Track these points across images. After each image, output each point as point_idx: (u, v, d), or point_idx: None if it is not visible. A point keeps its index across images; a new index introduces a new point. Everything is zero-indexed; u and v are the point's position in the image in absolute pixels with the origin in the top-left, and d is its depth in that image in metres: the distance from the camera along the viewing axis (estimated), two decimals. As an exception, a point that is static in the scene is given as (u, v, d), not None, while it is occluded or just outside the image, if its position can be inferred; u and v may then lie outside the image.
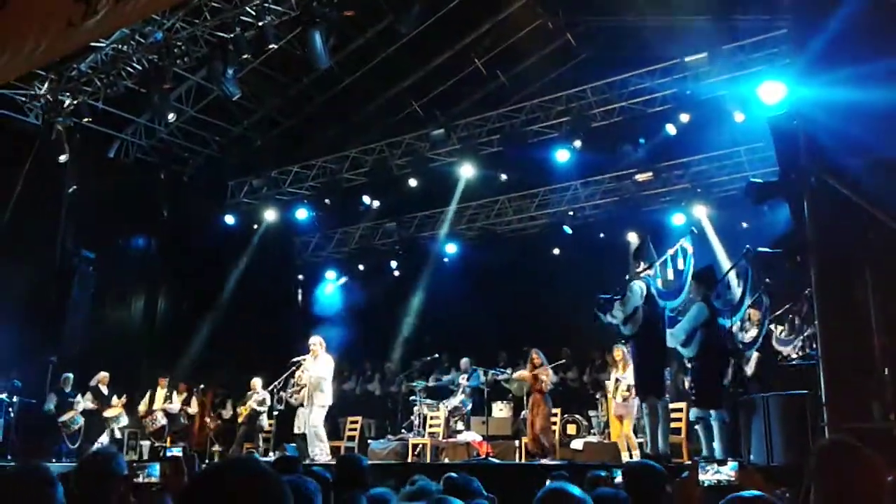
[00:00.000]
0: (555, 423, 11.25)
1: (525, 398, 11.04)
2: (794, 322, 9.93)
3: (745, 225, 13.02)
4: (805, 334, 9.69)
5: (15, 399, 12.04)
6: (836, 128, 5.94)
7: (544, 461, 9.92)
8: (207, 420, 14.43)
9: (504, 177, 14.11)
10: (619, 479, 4.76)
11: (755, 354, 9.67)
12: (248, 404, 13.24)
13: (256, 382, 13.32)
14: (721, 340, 8.78)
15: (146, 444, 13.00)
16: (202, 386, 14.38)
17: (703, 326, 8.56)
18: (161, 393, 13.30)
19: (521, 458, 10.82)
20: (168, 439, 13.16)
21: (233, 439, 13.45)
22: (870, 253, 5.67)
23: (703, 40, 11.62)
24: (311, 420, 10.90)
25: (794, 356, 9.66)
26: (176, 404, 13.38)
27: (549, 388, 10.76)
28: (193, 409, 13.85)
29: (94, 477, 3.56)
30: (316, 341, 11.18)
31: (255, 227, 16.23)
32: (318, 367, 10.99)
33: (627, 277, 9.21)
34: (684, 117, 11.99)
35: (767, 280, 9.30)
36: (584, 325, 13.87)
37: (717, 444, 8.30)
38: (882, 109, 5.68)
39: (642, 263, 9.12)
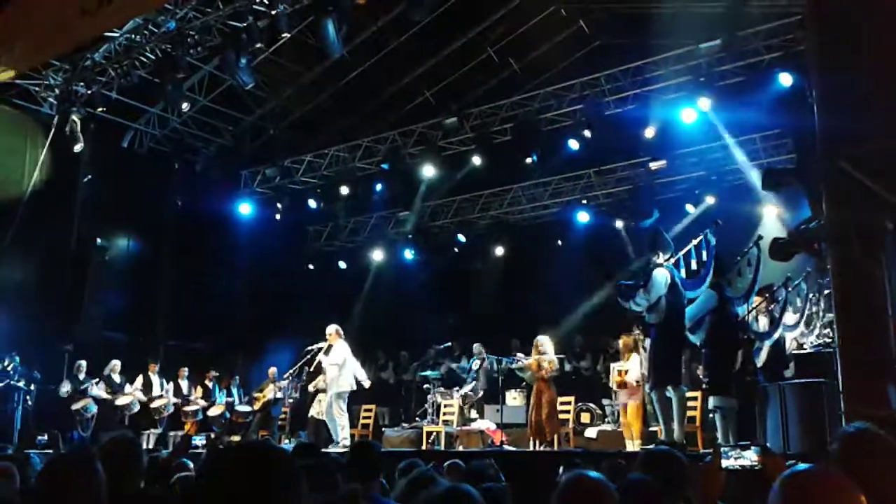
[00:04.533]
0: (568, 412, 11.24)
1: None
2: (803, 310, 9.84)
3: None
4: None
5: (32, 387, 12.15)
6: (853, 113, 5.88)
7: (547, 448, 9.96)
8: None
9: (529, 160, 13.94)
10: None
11: (766, 344, 9.59)
12: (265, 392, 13.31)
13: (273, 371, 13.40)
14: (731, 328, 8.75)
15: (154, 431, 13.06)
16: (216, 373, 14.44)
17: (711, 313, 8.54)
18: (156, 379, 13.32)
19: (534, 445, 10.83)
20: (188, 426, 13.27)
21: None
22: (887, 239, 5.62)
23: (717, 27, 11.51)
24: (333, 409, 10.99)
25: (807, 344, 9.58)
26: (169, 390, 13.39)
27: (553, 374, 10.70)
28: (198, 394, 13.90)
29: (112, 461, 3.59)
30: (332, 330, 11.26)
31: (277, 216, 16.23)
32: (334, 355, 11.07)
33: (650, 266, 9.14)
34: (699, 104, 11.87)
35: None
36: (598, 313, 13.95)
37: (727, 432, 8.31)
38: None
39: (661, 253, 9.05)
